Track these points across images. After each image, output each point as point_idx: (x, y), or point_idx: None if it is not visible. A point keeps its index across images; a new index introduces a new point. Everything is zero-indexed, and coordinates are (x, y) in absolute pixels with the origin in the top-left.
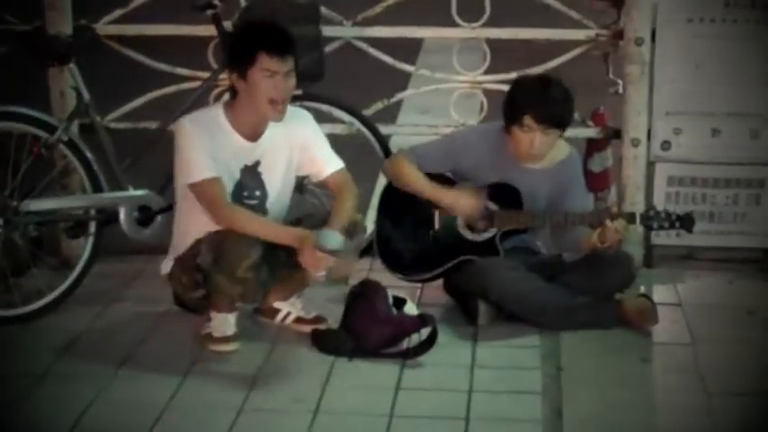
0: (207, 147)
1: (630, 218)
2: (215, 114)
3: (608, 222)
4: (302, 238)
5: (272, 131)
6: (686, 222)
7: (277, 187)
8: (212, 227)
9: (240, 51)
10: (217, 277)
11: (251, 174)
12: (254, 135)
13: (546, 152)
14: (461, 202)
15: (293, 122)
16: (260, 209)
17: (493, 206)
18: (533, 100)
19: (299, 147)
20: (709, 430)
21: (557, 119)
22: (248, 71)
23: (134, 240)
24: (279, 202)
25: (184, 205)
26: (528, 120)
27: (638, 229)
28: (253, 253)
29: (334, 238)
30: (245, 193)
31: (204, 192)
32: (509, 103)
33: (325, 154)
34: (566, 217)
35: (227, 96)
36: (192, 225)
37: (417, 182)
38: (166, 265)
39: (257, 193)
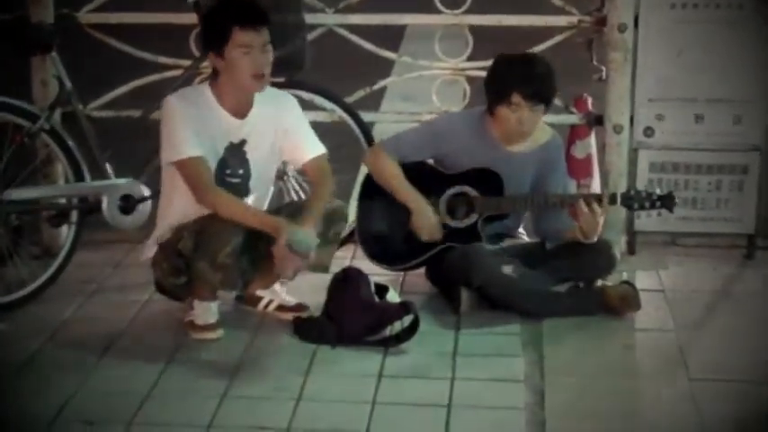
0: (193, 123)
1: (611, 198)
2: (202, 91)
3: (582, 204)
4: (279, 228)
5: (259, 111)
6: (667, 201)
7: (260, 168)
8: (195, 209)
9: (214, 30)
10: (198, 263)
11: (235, 152)
12: (240, 112)
13: (532, 130)
14: (422, 219)
15: (279, 106)
16: (242, 187)
17: (473, 192)
18: (520, 77)
19: (283, 130)
20: (692, 416)
21: (544, 94)
22: (225, 49)
23: (117, 229)
24: (262, 183)
25: (168, 187)
26: (516, 97)
27: (621, 215)
28: (233, 240)
29: (305, 240)
30: (228, 171)
31: (189, 170)
32: (494, 82)
33: (307, 140)
34: (546, 199)
35: None
36: (176, 208)
37: (391, 181)
38: (149, 250)
39: (240, 171)
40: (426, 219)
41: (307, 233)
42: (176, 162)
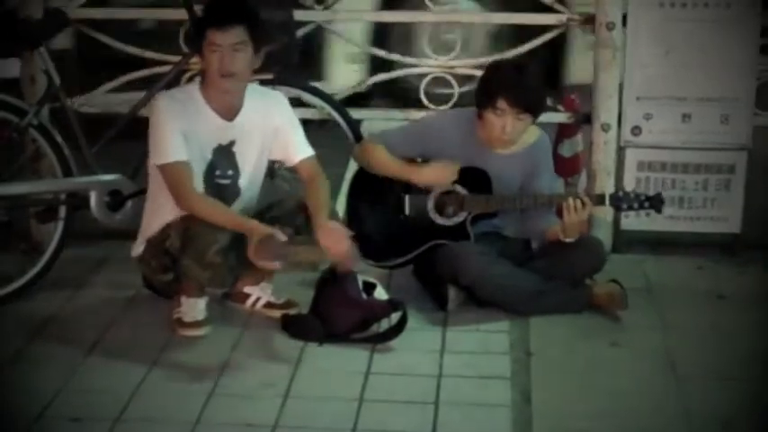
0: (181, 126)
1: (600, 199)
2: (192, 92)
3: (569, 201)
4: (251, 231)
5: (248, 112)
6: (655, 202)
7: (250, 168)
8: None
9: (196, 29)
10: (185, 262)
11: (224, 153)
12: (228, 114)
13: (517, 138)
14: (437, 173)
15: (269, 105)
16: (232, 188)
17: (462, 190)
18: (508, 83)
19: (273, 129)
20: (679, 414)
21: (530, 103)
22: (202, 47)
23: (105, 225)
24: (251, 183)
25: (155, 186)
26: (501, 103)
27: (608, 215)
28: (221, 237)
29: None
30: (218, 172)
31: (170, 174)
32: (483, 86)
33: (298, 140)
34: (535, 199)
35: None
36: (163, 206)
37: (390, 164)
38: (137, 248)
39: (230, 172)
40: (435, 174)
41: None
42: (159, 165)
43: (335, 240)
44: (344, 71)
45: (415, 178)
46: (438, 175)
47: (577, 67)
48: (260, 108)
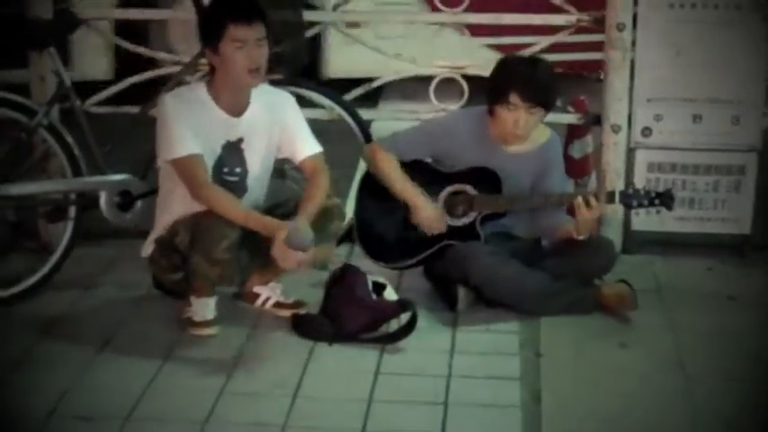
0: (189, 122)
1: (610, 196)
2: (198, 90)
3: (579, 200)
4: (274, 229)
5: (255, 109)
6: (666, 199)
7: (258, 165)
8: (192, 206)
9: (209, 26)
10: (194, 258)
11: (233, 150)
12: (236, 110)
13: (529, 133)
14: (424, 213)
15: (276, 103)
16: (240, 186)
17: (472, 190)
18: (520, 78)
19: (279, 127)
20: (688, 415)
21: (542, 97)
22: (220, 44)
23: (115, 225)
24: (259, 181)
25: (166, 184)
26: (513, 97)
27: (618, 214)
28: (229, 234)
29: (303, 235)
30: (226, 170)
31: (185, 168)
32: (495, 81)
33: (303, 137)
34: (545, 198)
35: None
36: (173, 204)
37: (389, 176)
38: (147, 248)
39: (237, 169)
40: (426, 213)
41: (303, 228)
42: (172, 160)
43: (284, 258)
44: None
45: (411, 207)
46: (431, 220)
47: (333, 63)
48: (267, 106)
